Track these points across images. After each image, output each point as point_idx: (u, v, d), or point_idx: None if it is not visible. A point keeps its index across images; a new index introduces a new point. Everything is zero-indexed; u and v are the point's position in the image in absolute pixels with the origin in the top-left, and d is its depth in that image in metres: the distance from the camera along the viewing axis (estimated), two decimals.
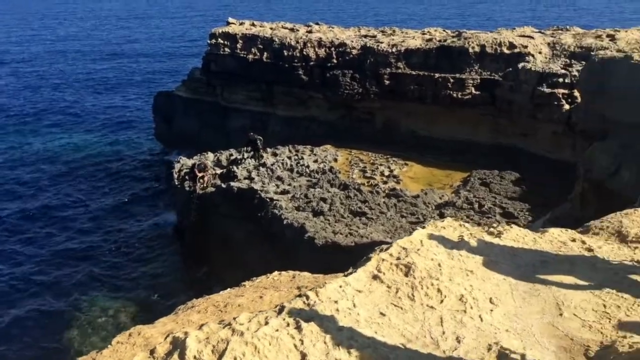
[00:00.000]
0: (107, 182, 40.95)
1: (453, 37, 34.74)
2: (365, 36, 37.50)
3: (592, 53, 21.55)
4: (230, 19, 42.61)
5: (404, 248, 5.25)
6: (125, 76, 74.03)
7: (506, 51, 31.60)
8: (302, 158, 30.50)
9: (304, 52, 36.41)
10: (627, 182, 14.47)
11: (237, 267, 24.19)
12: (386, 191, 26.32)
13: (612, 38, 30.30)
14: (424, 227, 5.90)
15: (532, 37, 32.62)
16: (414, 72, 32.95)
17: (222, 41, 39.63)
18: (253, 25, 41.87)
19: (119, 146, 48.12)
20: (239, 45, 39.02)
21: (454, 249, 5.39)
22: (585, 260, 5.44)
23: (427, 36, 35.93)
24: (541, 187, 25.55)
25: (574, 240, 6.00)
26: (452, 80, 31.68)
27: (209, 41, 40.72)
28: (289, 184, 27.29)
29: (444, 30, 37.78)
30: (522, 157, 29.20)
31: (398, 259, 5.08)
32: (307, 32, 38.85)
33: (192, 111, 41.87)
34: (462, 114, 31.67)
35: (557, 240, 5.95)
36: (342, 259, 14.68)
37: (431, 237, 5.55)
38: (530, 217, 22.98)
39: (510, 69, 30.20)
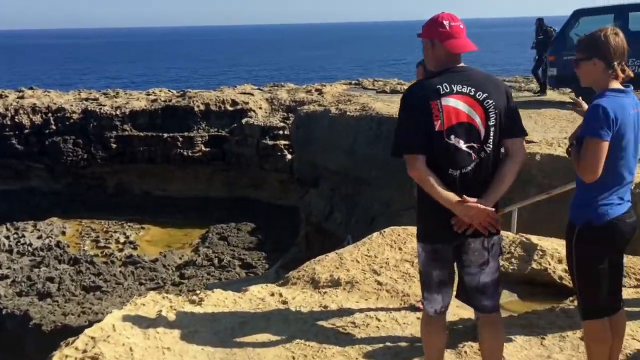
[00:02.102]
0: None
1: (178, 96, 35.16)
2: (87, 99, 35.75)
3: (298, 108, 23.87)
4: None
5: (92, 337, 4.87)
6: None
7: (230, 108, 33.01)
8: (23, 236, 27.50)
9: (17, 120, 33.18)
10: (340, 223, 16.11)
11: None
12: (122, 259, 25.05)
13: (320, 92, 33.81)
14: (121, 309, 5.59)
15: (252, 94, 34.72)
16: (141, 134, 32.38)
17: None
18: None
19: None
20: None
21: (150, 327, 5.18)
22: (279, 314, 5.69)
23: (152, 97, 35.72)
24: (275, 234, 26.91)
25: (272, 294, 6.25)
26: (181, 138, 31.88)
27: None
28: (8, 267, 24.27)
29: (168, 91, 38.03)
30: (256, 207, 30.50)
31: (84, 352, 4.68)
32: (18, 98, 35.54)
33: None
34: (195, 171, 32.01)
35: (257, 297, 6.13)
36: None
37: (125, 318, 5.27)
38: (267, 265, 23.97)
39: (235, 124, 31.67)
